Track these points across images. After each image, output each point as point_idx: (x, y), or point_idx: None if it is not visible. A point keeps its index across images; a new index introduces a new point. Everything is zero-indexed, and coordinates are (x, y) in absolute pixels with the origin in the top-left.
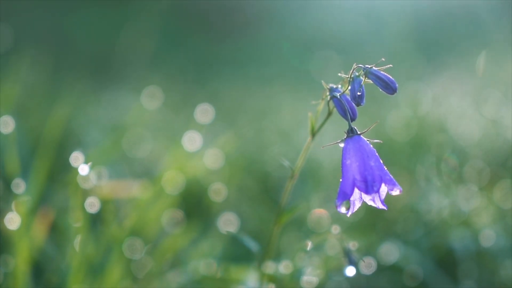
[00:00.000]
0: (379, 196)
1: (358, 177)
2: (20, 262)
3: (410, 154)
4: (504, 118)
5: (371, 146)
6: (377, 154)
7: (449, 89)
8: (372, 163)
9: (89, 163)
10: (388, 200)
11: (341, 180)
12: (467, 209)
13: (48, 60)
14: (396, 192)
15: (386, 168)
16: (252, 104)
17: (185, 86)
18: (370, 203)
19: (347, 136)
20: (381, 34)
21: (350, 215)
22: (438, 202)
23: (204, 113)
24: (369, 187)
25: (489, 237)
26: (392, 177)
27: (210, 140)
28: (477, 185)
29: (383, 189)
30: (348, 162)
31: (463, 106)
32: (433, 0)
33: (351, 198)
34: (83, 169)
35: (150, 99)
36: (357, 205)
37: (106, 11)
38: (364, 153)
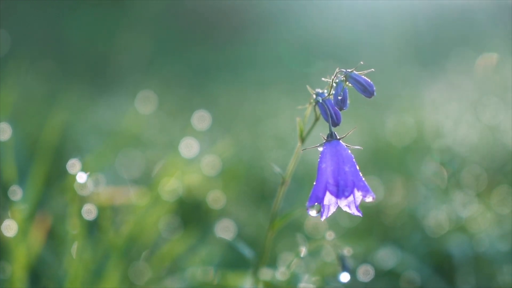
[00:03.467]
0: (354, 202)
1: (331, 181)
2: (17, 268)
3: (407, 159)
4: (502, 123)
5: (349, 151)
6: (354, 160)
7: (446, 93)
8: (347, 169)
9: (87, 171)
10: (385, 205)
11: (314, 183)
12: (465, 214)
13: (45, 65)
14: (369, 198)
15: (361, 175)
16: (249, 108)
17: (182, 91)
18: (345, 209)
19: (326, 140)
20: (379, 37)
21: (324, 219)
22: (436, 208)
23: (201, 119)
24: (340, 192)
25: (486, 242)
26: (366, 183)
27: (207, 146)
28: (474, 191)
29: (358, 195)
30: (323, 165)
31: (460, 111)
32: (429, 4)
33: (326, 203)
34: (81, 177)
35: (147, 105)
36: (332, 210)
37: (102, 15)
38: (339, 157)
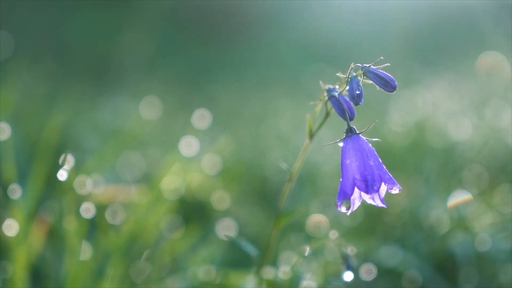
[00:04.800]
0: (379, 195)
1: (358, 176)
2: (18, 268)
3: (409, 158)
4: (503, 122)
5: (370, 145)
6: (376, 153)
7: (448, 92)
8: (372, 163)
9: (88, 171)
10: (387, 204)
11: (341, 179)
12: (466, 213)
13: (45, 65)
14: (395, 190)
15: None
16: (250, 108)
17: (183, 91)
18: (370, 201)
19: (346, 136)
20: (380, 36)
21: (350, 213)
22: (437, 207)
23: (201, 118)
24: (369, 187)
25: (488, 241)
26: (391, 176)
27: (208, 145)
28: (476, 190)
29: (383, 188)
30: (347, 161)
31: (461, 109)
32: (430, 3)
33: (351, 197)
34: (62, 175)
35: (148, 105)
36: (357, 204)
37: (103, 16)
38: (363, 152)
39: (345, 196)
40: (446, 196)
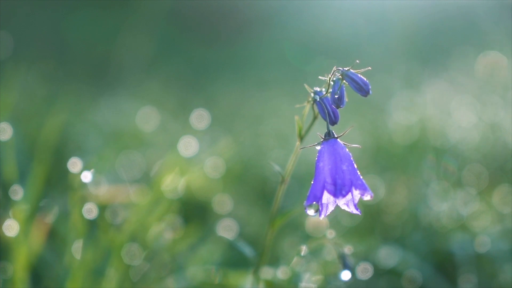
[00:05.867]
0: (353, 201)
1: (328, 180)
2: (18, 268)
3: (409, 157)
4: (503, 122)
5: (347, 150)
6: (351, 158)
7: (448, 92)
8: (345, 167)
9: (91, 170)
10: (386, 204)
11: (312, 182)
12: (466, 213)
13: (45, 65)
14: (367, 197)
15: (359, 173)
16: (250, 108)
17: (183, 90)
18: (344, 207)
19: (323, 139)
20: (380, 36)
21: (323, 217)
22: (437, 206)
23: (199, 118)
24: (337, 191)
25: (488, 241)
26: (364, 182)
27: (207, 145)
28: (476, 189)
29: (356, 193)
30: (321, 164)
31: (461, 109)
32: (430, 2)
33: (325, 201)
34: (86, 176)
35: (148, 105)
36: (330, 208)
37: (103, 16)
38: (337, 156)
39: (315, 199)
40: (446, 196)
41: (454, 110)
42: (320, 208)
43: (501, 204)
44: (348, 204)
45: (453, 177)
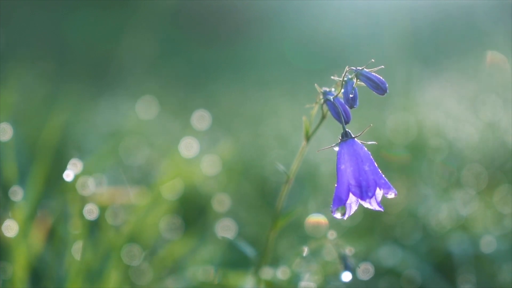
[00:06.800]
0: (375, 199)
1: (352, 182)
2: (18, 269)
3: (408, 158)
4: (502, 121)
5: (366, 149)
6: (371, 157)
7: (447, 92)
8: (367, 168)
9: (88, 172)
10: (386, 204)
11: (336, 185)
12: (465, 213)
13: (46, 65)
14: (391, 195)
15: (380, 171)
16: (250, 108)
17: (183, 91)
18: (367, 205)
19: (341, 140)
20: (379, 36)
21: (347, 218)
22: (436, 206)
23: (200, 119)
24: (363, 193)
25: (487, 241)
26: (386, 180)
27: (208, 145)
28: (475, 189)
29: (379, 192)
30: (342, 167)
31: (461, 109)
32: (430, 3)
33: (347, 202)
34: (68, 175)
35: (148, 105)
36: (354, 208)
37: (103, 16)
38: (358, 157)
39: (340, 202)
40: (445, 196)
41: (454, 110)
42: (346, 211)
43: (500, 204)
44: (370, 202)
45: (453, 177)
